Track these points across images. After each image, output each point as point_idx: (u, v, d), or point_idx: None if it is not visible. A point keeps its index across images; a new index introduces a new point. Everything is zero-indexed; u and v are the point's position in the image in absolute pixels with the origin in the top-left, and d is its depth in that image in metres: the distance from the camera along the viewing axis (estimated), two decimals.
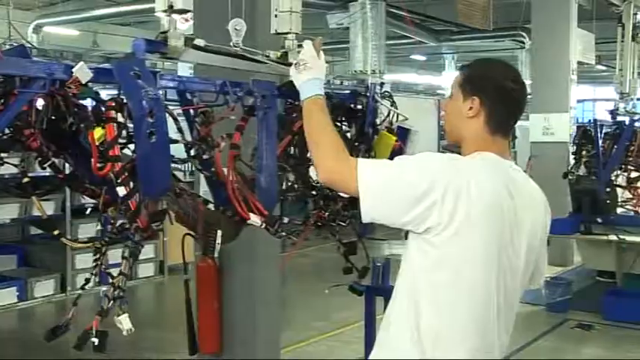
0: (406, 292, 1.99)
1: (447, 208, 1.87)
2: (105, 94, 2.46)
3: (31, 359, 5.80)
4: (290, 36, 2.91)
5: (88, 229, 7.55)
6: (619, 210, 7.34)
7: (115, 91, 2.34)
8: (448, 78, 18.50)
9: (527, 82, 13.67)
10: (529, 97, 11.42)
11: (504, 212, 1.96)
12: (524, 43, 14.22)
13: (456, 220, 1.88)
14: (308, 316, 6.98)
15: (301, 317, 6.89)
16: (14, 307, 7.28)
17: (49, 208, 7.06)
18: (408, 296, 1.98)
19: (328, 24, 10.21)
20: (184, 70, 9.76)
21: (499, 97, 2.08)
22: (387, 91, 3.27)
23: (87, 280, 2.46)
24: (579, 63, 9.33)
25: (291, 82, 2.90)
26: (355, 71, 11.39)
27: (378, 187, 1.93)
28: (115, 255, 2.47)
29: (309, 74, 2.28)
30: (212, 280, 4.48)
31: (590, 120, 7.77)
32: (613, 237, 6.76)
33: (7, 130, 2.26)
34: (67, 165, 2.51)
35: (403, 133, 3.30)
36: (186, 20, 2.56)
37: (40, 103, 2.21)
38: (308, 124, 2.18)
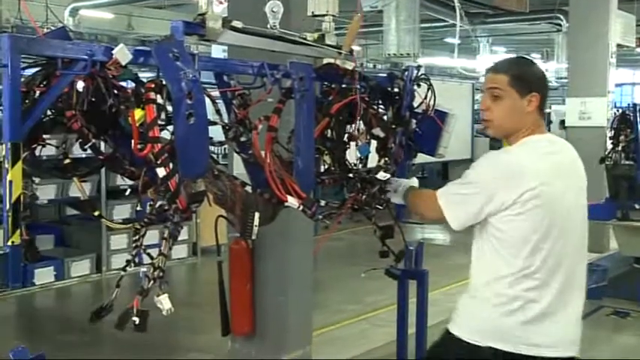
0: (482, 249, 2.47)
1: (506, 200, 2.34)
2: (140, 76, 2.47)
3: (67, 337, 5.92)
4: (327, 18, 2.89)
5: (123, 210, 7.67)
6: None
7: (152, 75, 2.36)
8: (483, 61, 18.28)
9: (564, 65, 13.46)
10: (565, 80, 11.28)
11: (556, 187, 2.37)
12: (560, 25, 14.00)
13: (516, 206, 2.33)
14: (340, 298, 7.00)
15: (334, 300, 6.92)
16: (52, 286, 7.41)
17: (84, 189, 7.14)
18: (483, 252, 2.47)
19: (362, 6, 10.15)
20: (218, 52, 9.79)
21: (545, 89, 2.53)
22: (425, 74, 3.24)
23: (128, 262, 2.48)
24: (618, 46, 9.13)
25: (328, 64, 2.90)
26: (389, 54, 11.32)
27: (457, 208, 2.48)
28: (149, 236, 2.51)
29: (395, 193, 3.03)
30: (245, 262, 4.52)
31: (629, 104, 7.61)
32: None
33: (48, 112, 2.29)
34: (102, 146, 2.54)
35: (441, 117, 3.28)
36: (221, 2, 2.56)
37: (80, 85, 2.23)
38: (410, 207, 2.93)
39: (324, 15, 2.94)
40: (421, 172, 15.41)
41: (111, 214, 7.72)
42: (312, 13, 2.97)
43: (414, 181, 3.07)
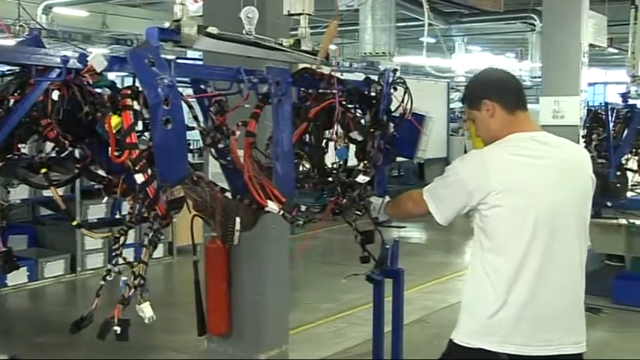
0: (474, 249, 2.53)
1: (483, 194, 2.41)
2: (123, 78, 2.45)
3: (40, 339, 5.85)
4: (303, 22, 2.89)
5: (98, 210, 7.61)
6: (629, 194, 7.30)
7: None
8: (458, 60, 18.41)
9: (538, 64, 13.57)
10: (539, 79, 11.39)
11: (529, 183, 2.42)
12: (534, 25, 14.13)
13: (490, 198, 2.40)
14: (317, 297, 7.01)
15: (310, 298, 6.93)
16: (25, 287, 7.33)
17: (59, 189, 7.06)
18: (475, 252, 2.52)
19: (338, 6, 10.14)
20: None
21: (498, 89, 2.59)
22: (401, 78, 3.25)
23: (108, 271, 2.45)
24: (591, 45, 9.23)
25: (304, 69, 2.91)
26: (365, 53, 11.35)
27: (440, 204, 2.58)
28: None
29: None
30: (221, 262, 4.50)
31: (601, 103, 7.70)
32: (623, 221, 6.74)
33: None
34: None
35: (419, 120, 3.30)
36: (196, 1, 2.54)
37: (56, 93, 2.21)
38: (394, 214, 3.19)
39: (299, 14, 2.94)
40: (397, 171, 15.48)
41: (85, 214, 7.66)
42: (288, 12, 2.97)
43: (386, 198, 3.27)
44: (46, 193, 7.27)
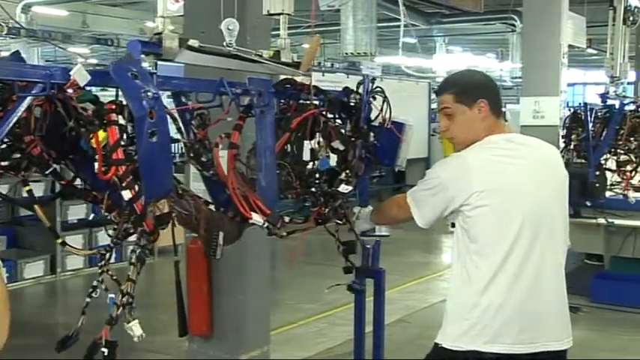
0: (457, 252, 2.50)
1: (465, 196, 2.40)
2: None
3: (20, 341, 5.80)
4: (282, 23, 2.88)
5: (78, 211, 7.55)
6: (608, 193, 7.36)
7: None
8: (439, 61, 18.49)
9: (518, 65, 13.67)
10: (519, 80, 11.49)
11: (515, 183, 2.43)
12: (515, 26, 14.22)
13: (473, 199, 2.38)
14: (299, 297, 7.01)
15: (292, 299, 6.92)
16: None
17: (38, 190, 6.98)
18: (458, 255, 2.49)
19: (319, 6, 10.15)
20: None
21: (491, 91, 2.59)
22: (380, 87, 3.25)
23: (93, 288, 2.42)
24: (570, 46, 9.31)
25: (285, 79, 2.92)
26: (346, 53, 11.36)
27: (422, 207, 2.56)
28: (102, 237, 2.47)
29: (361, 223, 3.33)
30: (202, 262, 4.49)
31: (580, 103, 7.76)
32: (602, 220, 6.79)
33: (5, 140, 2.21)
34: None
35: (398, 128, 3.31)
36: (177, 1, 2.53)
37: (38, 110, 2.18)
38: (379, 220, 3.24)
39: (279, 14, 2.93)
40: (378, 171, 15.50)
41: (65, 215, 7.61)
42: (268, 11, 2.96)
43: (370, 208, 3.30)
44: (25, 193, 7.24)
